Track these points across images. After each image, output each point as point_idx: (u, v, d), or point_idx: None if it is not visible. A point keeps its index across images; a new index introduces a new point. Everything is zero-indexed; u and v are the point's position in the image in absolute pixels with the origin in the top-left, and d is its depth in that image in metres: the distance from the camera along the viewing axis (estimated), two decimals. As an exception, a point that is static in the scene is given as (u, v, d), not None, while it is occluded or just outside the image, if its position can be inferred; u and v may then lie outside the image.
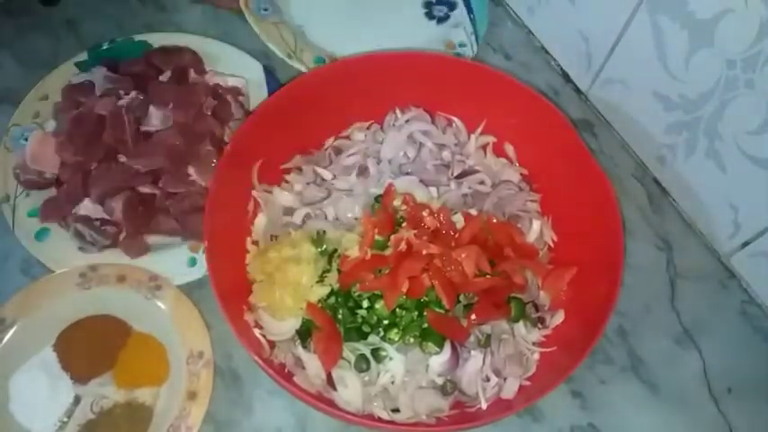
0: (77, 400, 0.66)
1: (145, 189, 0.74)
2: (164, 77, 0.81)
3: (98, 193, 0.72)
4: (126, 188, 0.73)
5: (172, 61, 0.82)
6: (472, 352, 0.65)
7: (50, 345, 0.68)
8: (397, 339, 0.64)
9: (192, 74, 0.82)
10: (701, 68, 0.69)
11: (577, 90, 0.89)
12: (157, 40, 0.86)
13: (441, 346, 0.64)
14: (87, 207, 0.72)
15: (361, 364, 0.64)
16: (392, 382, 0.64)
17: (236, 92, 0.82)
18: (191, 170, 0.74)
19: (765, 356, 0.74)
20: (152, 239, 0.74)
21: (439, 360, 0.64)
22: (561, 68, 0.91)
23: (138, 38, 0.86)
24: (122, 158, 0.75)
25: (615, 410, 0.70)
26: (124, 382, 0.67)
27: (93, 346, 0.68)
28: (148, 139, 0.76)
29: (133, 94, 0.77)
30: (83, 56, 0.84)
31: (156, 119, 0.76)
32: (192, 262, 0.72)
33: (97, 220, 0.72)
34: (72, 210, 0.72)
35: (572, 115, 0.86)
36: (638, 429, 0.69)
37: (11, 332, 0.67)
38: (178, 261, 0.72)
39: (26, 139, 0.76)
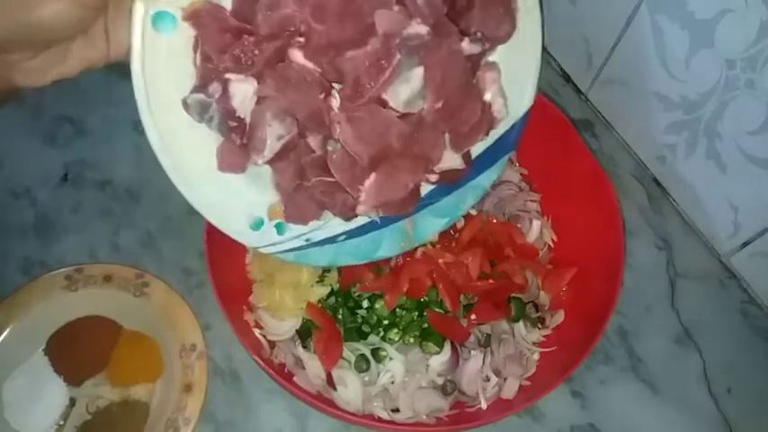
0: (72, 402, 0.66)
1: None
2: None
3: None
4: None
5: None
6: (472, 352, 0.65)
7: (41, 349, 0.68)
8: (397, 339, 0.64)
9: None
10: (701, 68, 0.69)
11: (577, 90, 0.89)
12: None
13: (441, 346, 0.64)
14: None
15: (361, 364, 0.64)
16: (392, 382, 0.64)
17: None
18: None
19: (765, 356, 0.73)
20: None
21: (439, 360, 0.64)
22: (561, 68, 0.91)
23: None
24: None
25: (615, 410, 0.69)
26: (118, 381, 0.67)
27: (84, 348, 0.68)
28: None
29: None
30: None
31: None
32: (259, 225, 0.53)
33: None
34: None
35: (572, 115, 0.86)
36: (638, 429, 0.69)
37: (0, 339, 0.67)
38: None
39: None
